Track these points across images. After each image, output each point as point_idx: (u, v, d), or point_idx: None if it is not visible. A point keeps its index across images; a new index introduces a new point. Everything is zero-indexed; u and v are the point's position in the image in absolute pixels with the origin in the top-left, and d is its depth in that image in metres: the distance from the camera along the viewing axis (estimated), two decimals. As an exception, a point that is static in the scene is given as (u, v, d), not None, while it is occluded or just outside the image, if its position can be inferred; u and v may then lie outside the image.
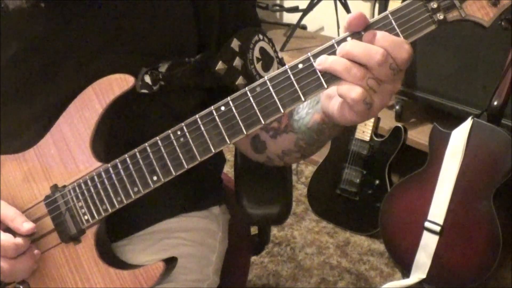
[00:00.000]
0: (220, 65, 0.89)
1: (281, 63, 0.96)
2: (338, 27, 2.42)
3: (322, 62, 0.70)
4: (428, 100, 2.07)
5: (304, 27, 2.82)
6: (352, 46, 0.69)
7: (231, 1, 0.91)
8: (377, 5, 2.15)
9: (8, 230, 0.83)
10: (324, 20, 2.75)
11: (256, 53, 0.91)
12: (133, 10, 0.86)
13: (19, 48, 0.86)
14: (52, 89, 0.87)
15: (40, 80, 0.87)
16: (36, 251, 0.85)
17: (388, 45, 0.68)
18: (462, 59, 1.94)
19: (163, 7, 0.87)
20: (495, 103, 1.67)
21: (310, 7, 2.46)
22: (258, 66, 0.91)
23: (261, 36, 0.93)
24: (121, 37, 0.86)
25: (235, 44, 0.89)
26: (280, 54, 0.97)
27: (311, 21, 2.74)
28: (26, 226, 0.82)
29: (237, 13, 0.91)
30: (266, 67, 0.92)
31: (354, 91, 0.68)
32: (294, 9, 2.73)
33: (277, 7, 2.94)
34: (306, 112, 0.85)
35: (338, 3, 2.41)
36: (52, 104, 0.86)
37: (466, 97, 1.95)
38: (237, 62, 0.89)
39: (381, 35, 0.68)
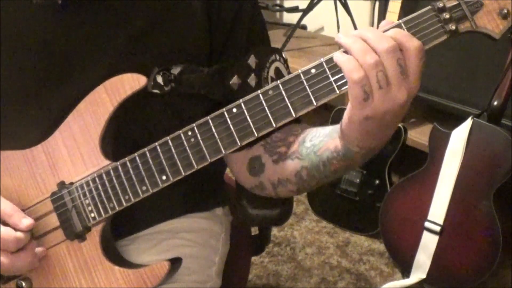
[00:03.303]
0: (235, 79, 0.88)
1: None
2: (338, 27, 2.41)
3: (342, 37, 0.70)
4: (428, 100, 2.07)
5: (304, 27, 2.82)
6: (366, 29, 0.70)
7: (244, 19, 0.91)
8: (377, 5, 2.15)
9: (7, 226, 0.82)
10: (324, 20, 2.75)
11: (271, 72, 0.90)
12: (147, 11, 0.87)
13: (30, 43, 0.87)
14: (63, 87, 0.87)
15: (50, 77, 0.87)
16: (41, 249, 0.85)
17: (399, 38, 0.68)
18: (462, 59, 1.94)
19: (177, 11, 0.88)
20: (495, 103, 1.67)
21: (310, 7, 2.45)
22: None
23: (277, 57, 0.92)
24: (133, 37, 0.87)
25: (252, 60, 0.89)
26: None
27: (311, 21, 2.74)
28: (25, 222, 0.82)
29: (249, 30, 0.92)
30: None
31: (357, 73, 0.67)
32: (294, 9, 2.72)
33: (277, 7, 2.94)
34: (320, 140, 0.83)
35: (338, 3, 2.41)
36: (62, 101, 0.86)
37: (466, 97, 1.95)
38: (252, 79, 0.89)
39: (395, 30, 0.69)
